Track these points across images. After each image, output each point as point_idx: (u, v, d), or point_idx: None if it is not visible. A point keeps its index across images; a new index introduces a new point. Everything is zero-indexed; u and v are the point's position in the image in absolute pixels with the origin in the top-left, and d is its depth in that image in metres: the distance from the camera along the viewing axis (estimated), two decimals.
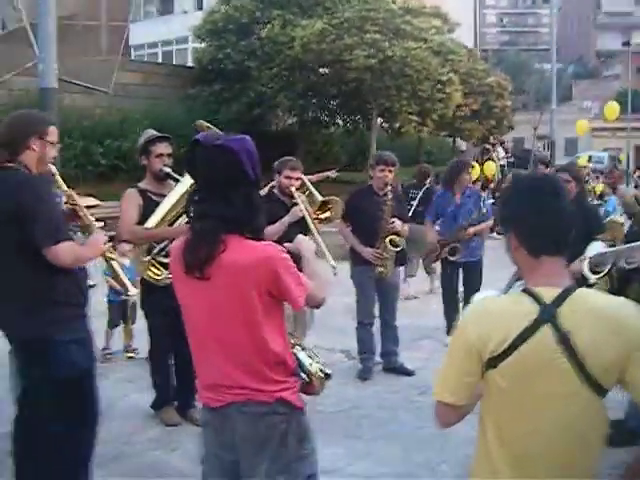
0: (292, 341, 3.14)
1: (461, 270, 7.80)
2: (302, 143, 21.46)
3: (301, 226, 6.00)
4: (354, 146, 25.76)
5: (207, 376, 2.96)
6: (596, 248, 4.86)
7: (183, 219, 5.35)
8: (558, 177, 2.46)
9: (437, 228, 7.85)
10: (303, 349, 3.36)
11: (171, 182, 5.57)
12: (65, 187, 4.33)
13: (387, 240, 6.59)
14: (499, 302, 2.37)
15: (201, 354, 2.96)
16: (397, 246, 6.61)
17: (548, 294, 2.24)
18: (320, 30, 17.28)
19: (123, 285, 4.70)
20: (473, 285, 7.47)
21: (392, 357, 7.02)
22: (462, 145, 30.87)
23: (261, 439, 2.90)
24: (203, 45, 22.95)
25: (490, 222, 7.85)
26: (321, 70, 18.68)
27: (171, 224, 5.47)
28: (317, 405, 5.67)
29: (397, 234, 6.65)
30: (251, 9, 20.49)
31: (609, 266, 4.80)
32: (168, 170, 5.51)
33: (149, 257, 5.50)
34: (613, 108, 15.65)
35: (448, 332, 7.55)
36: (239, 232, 2.83)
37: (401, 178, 12.48)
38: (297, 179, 6.20)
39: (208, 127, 5.28)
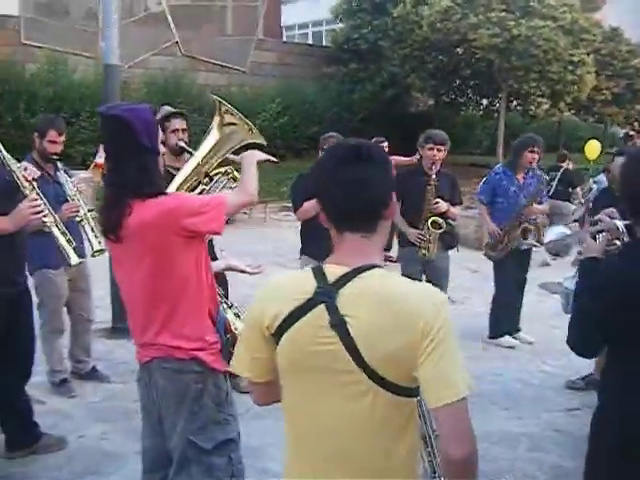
0: (220, 299, 3.32)
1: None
2: (439, 126, 21.00)
3: None
4: (496, 129, 24.98)
5: (136, 333, 3.13)
6: (555, 232, 4.36)
7: (203, 188, 5.43)
8: (375, 144, 2.09)
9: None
10: (230, 307, 3.47)
11: (187, 156, 5.59)
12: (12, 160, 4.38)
13: (429, 222, 6.28)
14: (287, 277, 2.11)
15: (130, 312, 3.15)
16: (440, 228, 6.27)
17: (335, 273, 1.96)
18: (445, 8, 16.75)
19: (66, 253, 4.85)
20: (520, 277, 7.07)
21: None
22: (619, 131, 29.04)
23: (177, 396, 3.03)
24: (341, 25, 22.92)
25: (547, 206, 7.22)
26: (452, 50, 18.11)
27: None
28: None
29: (442, 216, 6.31)
30: None
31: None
32: (183, 144, 5.54)
33: None
34: (593, 147, 13.63)
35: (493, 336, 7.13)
36: (142, 196, 2.97)
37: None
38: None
39: (220, 102, 5.18)
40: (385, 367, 1.90)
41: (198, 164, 5.31)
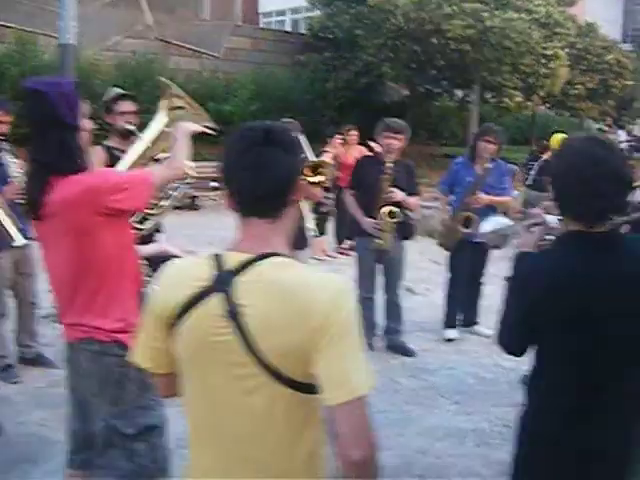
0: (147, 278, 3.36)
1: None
2: (414, 116, 20.98)
3: None
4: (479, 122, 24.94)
5: (61, 313, 3.10)
6: (494, 223, 4.29)
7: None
8: (285, 127, 2.03)
9: (452, 198, 7.00)
10: None
11: (135, 139, 5.50)
12: None
13: (384, 211, 6.21)
14: (187, 262, 2.02)
15: (55, 292, 3.11)
16: (395, 217, 6.21)
17: (234, 260, 1.87)
18: None
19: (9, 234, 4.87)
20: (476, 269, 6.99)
21: (392, 335, 6.65)
22: (592, 126, 29.11)
23: (100, 379, 3.01)
24: (319, 13, 22.81)
25: (508, 198, 7.04)
26: (426, 40, 18.05)
27: None
28: None
29: (398, 205, 6.25)
30: None
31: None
32: (131, 127, 5.43)
33: None
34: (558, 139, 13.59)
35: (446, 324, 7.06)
36: (62, 173, 2.92)
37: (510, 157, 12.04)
38: None
39: (168, 85, 5.11)
40: (280, 361, 1.82)
41: (147, 148, 5.27)
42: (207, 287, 1.86)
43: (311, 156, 6.18)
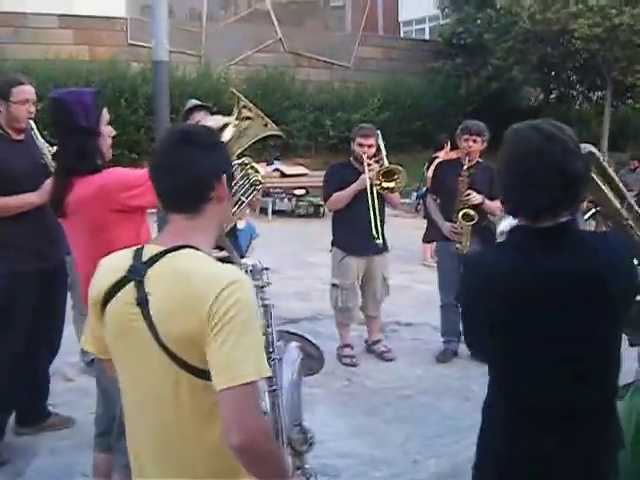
0: None
1: None
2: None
3: (366, 195, 5.97)
4: (616, 125, 23.88)
5: None
6: (509, 224, 4.03)
7: None
8: (205, 128, 2.18)
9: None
10: None
11: None
12: (41, 139, 4.49)
13: (461, 214, 6.07)
14: (115, 255, 2.12)
15: (81, 287, 3.28)
16: (471, 220, 6.04)
17: (151, 251, 1.98)
18: None
19: None
20: None
21: None
22: None
23: None
24: (447, 20, 22.60)
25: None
26: (555, 42, 17.45)
27: None
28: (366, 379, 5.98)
29: (477, 209, 6.07)
30: None
31: None
32: None
33: None
34: None
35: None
36: (81, 174, 3.16)
37: None
38: (370, 146, 6.06)
39: (238, 97, 5.36)
40: (180, 348, 1.89)
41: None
42: (123, 277, 1.97)
43: (386, 162, 6.12)
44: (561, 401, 2.14)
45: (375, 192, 6.01)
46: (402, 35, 31.50)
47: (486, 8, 19.86)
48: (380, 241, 5.97)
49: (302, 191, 15.33)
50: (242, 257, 7.27)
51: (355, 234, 6.05)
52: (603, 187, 3.05)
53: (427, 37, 31.66)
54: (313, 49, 21.08)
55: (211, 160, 2.03)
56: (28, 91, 4.30)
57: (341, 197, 6.11)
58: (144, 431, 2.04)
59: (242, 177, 5.67)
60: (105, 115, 3.36)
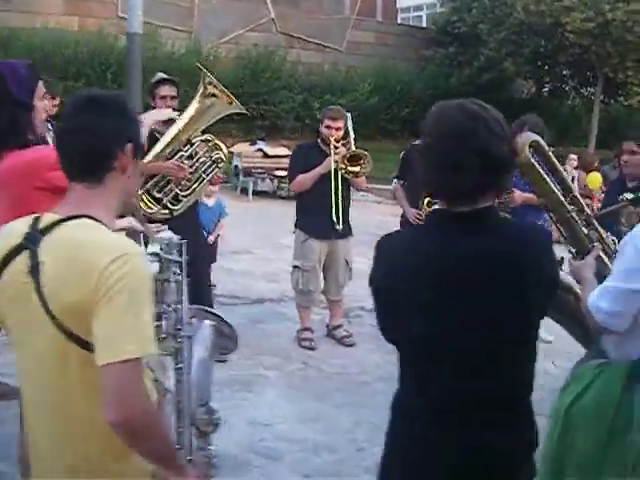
0: None
1: None
2: (542, 115, 20.11)
3: (330, 178, 5.91)
4: (607, 122, 23.79)
5: None
6: None
7: (181, 154, 5.48)
8: (118, 95, 2.12)
9: None
10: None
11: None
12: None
13: (426, 200, 5.99)
14: (15, 223, 2.03)
15: None
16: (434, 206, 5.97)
17: (48, 220, 1.92)
18: None
19: None
20: None
21: None
22: None
23: None
24: (443, 8, 22.47)
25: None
26: (549, 35, 17.31)
27: (169, 159, 5.50)
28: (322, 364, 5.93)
29: None
30: None
31: None
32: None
33: (141, 191, 5.53)
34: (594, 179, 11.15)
35: None
36: (11, 147, 3.04)
37: None
38: (337, 129, 5.99)
39: (204, 73, 5.34)
40: (69, 318, 1.83)
41: (179, 131, 5.44)
42: (18, 245, 1.90)
43: (353, 146, 6.04)
44: (473, 393, 2.06)
45: (340, 176, 5.95)
46: (399, 22, 31.38)
47: None
48: (339, 226, 5.92)
49: (284, 172, 15.20)
50: (208, 234, 7.26)
51: (318, 217, 5.99)
52: (546, 177, 2.97)
53: (424, 25, 31.53)
54: (306, 31, 20.91)
55: (115, 127, 1.96)
56: None
57: (305, 179, 6.04)
58: (35, 404, 1.98)
59: (204, 154, 5.60)
60: (40, 89, 3.25)
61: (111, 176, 1.97)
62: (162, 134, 5.59)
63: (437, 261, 2.02)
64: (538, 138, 3.00)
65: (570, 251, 3.09)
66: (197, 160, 5.55)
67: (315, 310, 6.59)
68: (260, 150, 15.40)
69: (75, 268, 1.81)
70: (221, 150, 5.64)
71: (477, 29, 19.72)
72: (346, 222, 6.13)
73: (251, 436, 4.58)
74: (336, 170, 5.91)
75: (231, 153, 13.97)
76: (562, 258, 2.82)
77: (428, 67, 21.71)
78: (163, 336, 2.22)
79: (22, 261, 1.88)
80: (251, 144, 16.00)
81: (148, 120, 3.72)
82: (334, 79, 20.37)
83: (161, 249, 2.30)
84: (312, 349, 6.14)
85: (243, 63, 18.74)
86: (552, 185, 2.98)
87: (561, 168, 3.09)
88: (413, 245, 2.11)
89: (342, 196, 5.97)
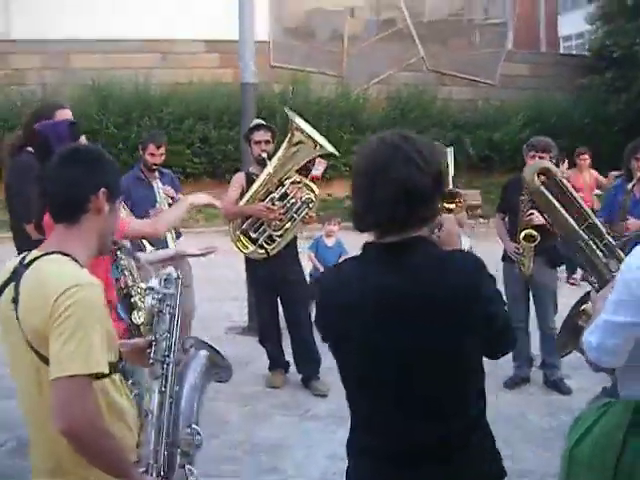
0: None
1: None
2: None
3: None
4: None
5: None
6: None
7: (272, 196, 5.81)
8: (92, 147, 2.62)
9: None
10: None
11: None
12: None
13: (522, 234, 5.87)
14: (14, 258, 2.35)
15: None
16: (534, 241, 5.83)
17: (32, 256, 2.24)
18: None
19: None
20: None
21: (548, 369, 6.21)
22: None
23: None
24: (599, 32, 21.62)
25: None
26: None
27: (262, 201, 5.79)
28: None
29: (541, 229, 5.84)
30: None
31: None
32: (264, 155, 5.82)
33: (238, 231, 5.85)
34: None
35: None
36: None
37: None
38: None
39: (291, 119, 5.66)
40: (37, 343, 2.12)
41: (269, 174, 5.72)
42: (9, 277, 2.23)
43: (450, 184, 6.03)
44: (407, 433, 2.10)
45: None
46: (562, 51, 30.60)
47: (636, 18, 18.87)
48: None
49: None
50: None
51: None
52: (557, 205, 2.91)
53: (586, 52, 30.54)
54: (457, 67, 20.83)
55: (88, 175, 2.27)
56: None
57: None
58: (25, 415, 2.27)
59: (294, 195, 5.83)
60: (81, 140, 3.69)
61: (87, 217, 2.28)
62: (257, 176, 5.90)
63: (360, 298, 2.08)
64: (548, 165, 2.97)
65: (590, 283, 2.99)
66: (288, 201, 5.78)
67: None
68: None
69: (38, 298, 2.11)
70: (312, 191, 5.84)
71: (633, 51, 18.85)
72: None
73: (326, 468, 4.67)
74: None
75: None
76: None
77: (584, 95, 20.93)
78: (151, 362, 2.45)
79: (9, 292, 2.20)
80: None
81: (184, 204, 3.95)
82: (486, 114, 20.13)
83: (160, 283, 2.55)
84: None
85: (393, 104, 18.95)
86: (564, 213, 2.92)
87: (577, 195, 3.02)
88: (341, 280, 2.18)
89: None
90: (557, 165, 11.02)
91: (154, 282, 2.56)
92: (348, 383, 2.20)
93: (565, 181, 2.99)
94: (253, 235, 5.82)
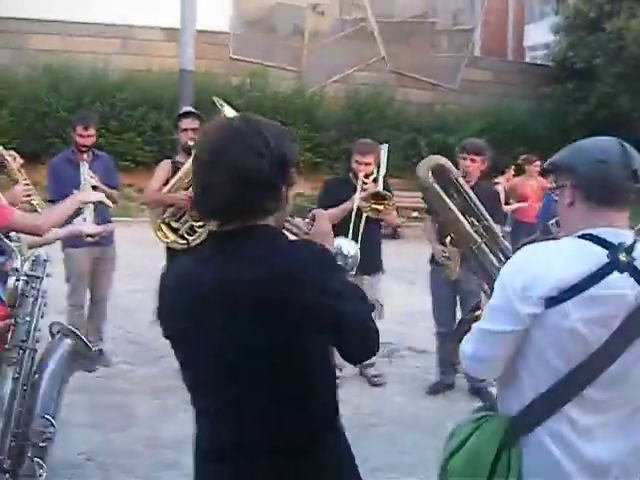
0: None
1: None
2: None
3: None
4: None
5: None
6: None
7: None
8: None
9: None
10: None
11: None
12: None
13: (449, 238, 5.75)
14: None
15: None
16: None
17: None
18: None
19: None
20: None
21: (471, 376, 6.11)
22: None
23: None
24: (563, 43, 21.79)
25: None
26: None
27: (185, 190, 5.64)
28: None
29: None
30: (600, 1, 18.75)
31: None
32: (191, 143, 5.69)
33: (159, 220, 5.68)
34: None
35: None
36: None
37: None
38: (367, 164, 5.92)
39: (221, 105, 5.39)
40: None
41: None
42: None
43: (380, 183, 5.94)
44: (218, 435, 2.02)
45: (363, 214, 5.85)
46: (529, 60, 30.78)
47: (597, 31, 19.01)
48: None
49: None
50: None
51: None
52: (450, 204, 2.79)
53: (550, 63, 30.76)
54: (418, 69, 20.78)
55: None
56: None
57: (331, 215, 5.94)
58: None
59: None
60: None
61: None
62: (183, 165, 5.74)
63: (187, 290, 1.97)
64: (444, 161, 2.84)
65: (483, 289, 2.88)
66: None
67: None
68: None
69: None
70: None
71: (592, 64, 18.99)
72: (374, 259, 6.00)
73: None
74: (358, 208, 5.81)
75: None
76: None
77: (545, 104, 21.04)
78: (7, 347, 2.30)
79: None
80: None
81: (73, 202, 3.79)
82: (445, 118, 20.10)
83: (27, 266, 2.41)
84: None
85: (350, 103, 18.86)
86: (457, 212, 2.80)
87: (473, 195, 2.90)
88: (177, 274, 2.09)
89: (364, 231, 5.83)
90: (503, 172, 11.05)
91: (19, 263, 2.40)
92: (186, 383, 2.07)
93: (462, 180, 2.86)
94: (174, 225, 5.64)
